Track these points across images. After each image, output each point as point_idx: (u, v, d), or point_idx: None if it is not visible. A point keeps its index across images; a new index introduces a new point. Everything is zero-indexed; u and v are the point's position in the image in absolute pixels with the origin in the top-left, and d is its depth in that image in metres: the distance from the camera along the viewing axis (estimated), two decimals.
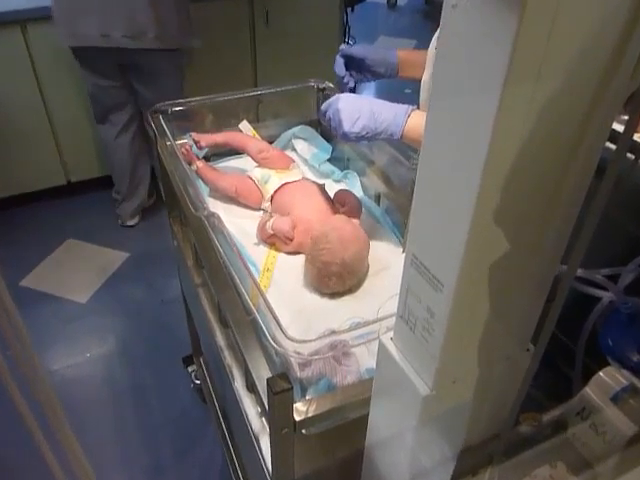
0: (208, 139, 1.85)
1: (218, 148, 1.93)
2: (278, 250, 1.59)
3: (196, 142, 1.84)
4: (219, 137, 1.86)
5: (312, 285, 1.46)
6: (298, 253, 1.57)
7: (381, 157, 1.82)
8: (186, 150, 1.81)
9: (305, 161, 1.99)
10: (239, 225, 1.69)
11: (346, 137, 1.37)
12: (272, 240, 1.59)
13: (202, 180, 1.80)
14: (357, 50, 1.68)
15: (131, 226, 3.67)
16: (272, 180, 1.75)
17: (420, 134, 1.32)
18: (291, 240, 1.56)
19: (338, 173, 1.92)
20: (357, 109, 1.36)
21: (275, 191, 1.73)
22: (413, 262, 0.70)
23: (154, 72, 3.07)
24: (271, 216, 1.64)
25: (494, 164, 0.58)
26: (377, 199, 1.78)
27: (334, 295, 1.44)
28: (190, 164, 1.79)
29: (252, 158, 1.84)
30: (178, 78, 3.17)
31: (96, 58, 3.01)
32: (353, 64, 1.69)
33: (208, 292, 1.59)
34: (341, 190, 1.73)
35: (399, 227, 1.66)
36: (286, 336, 1.05)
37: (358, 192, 1.80)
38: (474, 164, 0.58)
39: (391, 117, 1.35)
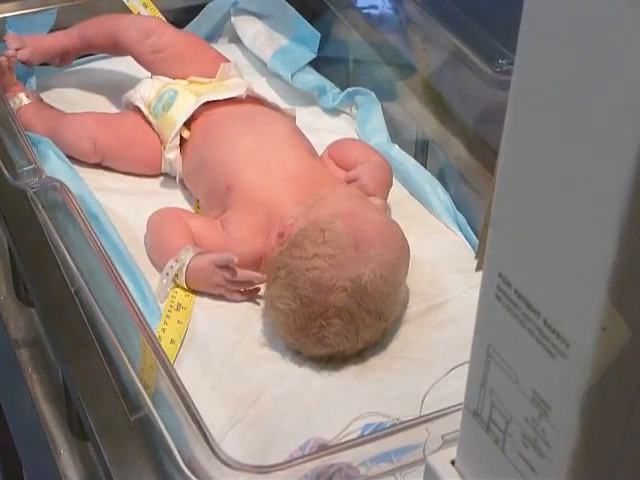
0: (42, 42, 1.03)
1: (72, 54, 1.07)
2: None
3: (16, 48, 1.00)
4: (67, 34, 1.03)
5: (284, 339, 0.81)
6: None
7: (431, 54, 0.99)
8: (4, 68, 1.00)
9: (259, 64, 1.14)
10: (114, 209, 0.93)
11: None
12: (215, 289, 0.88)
13: (29, 129, 0.95)
14: None
15: None
16: (180, 102, 0.95)
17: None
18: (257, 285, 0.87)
19: (334, 94, 1.09)
20: None
21: (188, 125, 0.95)
22: (501, 294, 0.38)
23: None
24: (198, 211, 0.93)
25: None
26: (424, 154, 1.01)
27: (330, 362, 0.79)
28: (9, 97, 0.99)
29: (135, 57, 1.02)
30: None
31: None
32: None
33: (42, 359, 0.83)
34: (344, 140, 0.99)
35: (471, 217, 0.95)
36: (218, 457, 0.56)
37: (380, 138, 1.03)
38: None
39: None
